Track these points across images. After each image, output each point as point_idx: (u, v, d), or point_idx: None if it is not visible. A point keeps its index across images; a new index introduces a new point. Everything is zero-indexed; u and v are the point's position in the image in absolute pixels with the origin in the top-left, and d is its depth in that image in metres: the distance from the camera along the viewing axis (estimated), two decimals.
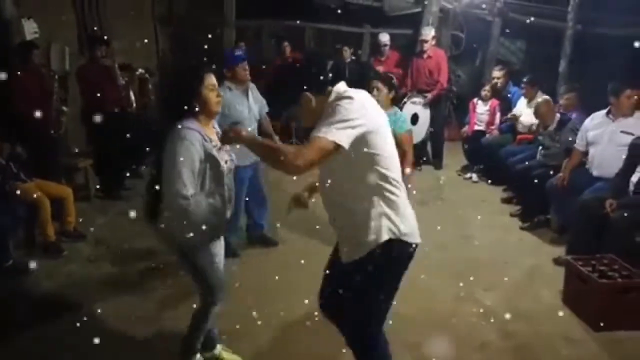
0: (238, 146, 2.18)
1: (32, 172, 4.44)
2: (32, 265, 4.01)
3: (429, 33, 6.63)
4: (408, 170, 3.46)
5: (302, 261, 3.69)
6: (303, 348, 3.01)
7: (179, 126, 2.29)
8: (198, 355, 2.68)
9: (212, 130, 2.48)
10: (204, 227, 2.32)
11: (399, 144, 3.14)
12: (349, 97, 1.95)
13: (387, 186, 2.00)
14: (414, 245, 2.09)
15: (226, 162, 2.45)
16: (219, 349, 2.85)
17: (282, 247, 4.39)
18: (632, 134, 4.00)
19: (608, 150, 4.19)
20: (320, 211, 2.30)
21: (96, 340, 3.00)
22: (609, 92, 4.24)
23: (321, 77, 2.05)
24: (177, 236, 2.38)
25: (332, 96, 2.02)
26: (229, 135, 2.11)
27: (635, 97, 4.12)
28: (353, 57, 7.89)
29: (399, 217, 2.03)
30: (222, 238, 2.65)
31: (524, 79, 5.89)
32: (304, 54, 8.06)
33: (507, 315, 3.35)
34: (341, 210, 2.09)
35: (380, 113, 2.06)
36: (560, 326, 3.25)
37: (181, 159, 2.23)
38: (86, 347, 3.00)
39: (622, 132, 4.12)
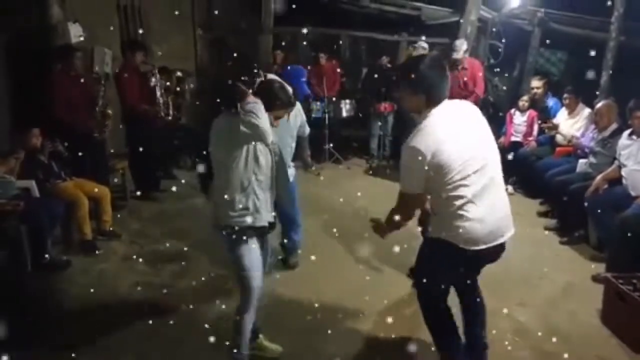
0: None
1: (72, 171, 4.57)
2: (68, 262, 4.14)
3: (460, 49, 6.45)
4: None
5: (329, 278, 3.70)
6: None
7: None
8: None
9: None
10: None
11: None
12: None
13: None
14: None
15: None
16: (260, 338, 2.98)
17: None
18: None
19: (637, 170, 4.12)
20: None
21: (124, 338, 3.06)
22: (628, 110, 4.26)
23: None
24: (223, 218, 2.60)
25: None
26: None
27: None
28: (389, 65, 7.88)
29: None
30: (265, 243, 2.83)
31: (567, 89, 5.73)
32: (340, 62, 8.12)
33: (542, 333, 3.27)
34: None
35: None
36: (598, 346, 3.13)
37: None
38: (115, 343, 3.07)
39: None
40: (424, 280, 2.60)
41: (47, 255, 4.02)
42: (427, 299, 2.68)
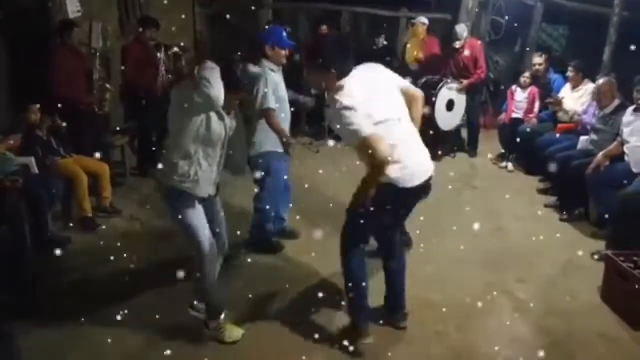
0: None
1: (71, 147, 4.54)
2: (69, 238, 4.15)
3: (462, 36, 6.41)
4: None
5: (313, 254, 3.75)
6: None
7: None
8: (223, 315, 2.90)
9: None
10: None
11: None
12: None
13: None
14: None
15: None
16: (223, 318, 2.97)
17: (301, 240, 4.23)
18: None
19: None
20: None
21: (123, 312, 3.08)
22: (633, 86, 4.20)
23: None
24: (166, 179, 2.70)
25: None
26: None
27: None
28: (385, 43, 7.81)
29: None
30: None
31: (571, 64, 5.66)
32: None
33: (541, 310, 3.29)
34: None
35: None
36: (598, 324, 3.15)
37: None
38: (114, 317, 3.08)
39: None
40: (360, 220, 2.72)
41: (47, 232, 4.01)
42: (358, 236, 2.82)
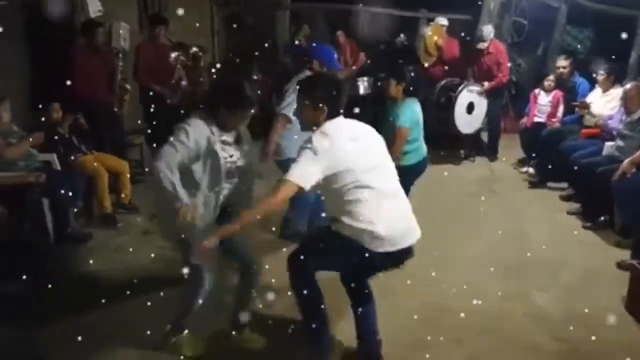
0: None
1: (92, 145, 4.60)
2: (90, 234, 4.21)
3: (488, 38, 6.32)
4: None
5: None
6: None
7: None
8: (185, 332, 2.82)
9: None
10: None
11: None
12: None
13: None
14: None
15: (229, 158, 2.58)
16: (247, 331, 2.92)
17: None
18: None
19: None
20: None
21: (141, 308, 3.08)
22: None
23: None
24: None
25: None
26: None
27: None
28: (406, 44, 7.78)
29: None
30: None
31: (603, 67, 5.52)
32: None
33: (562, 319, 3.22)
34: None
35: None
36: (621, 334, 3.07)
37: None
38: (132, 314, 3.11)
39: None
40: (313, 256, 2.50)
41: (68, 228, 4.08)
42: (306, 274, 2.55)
